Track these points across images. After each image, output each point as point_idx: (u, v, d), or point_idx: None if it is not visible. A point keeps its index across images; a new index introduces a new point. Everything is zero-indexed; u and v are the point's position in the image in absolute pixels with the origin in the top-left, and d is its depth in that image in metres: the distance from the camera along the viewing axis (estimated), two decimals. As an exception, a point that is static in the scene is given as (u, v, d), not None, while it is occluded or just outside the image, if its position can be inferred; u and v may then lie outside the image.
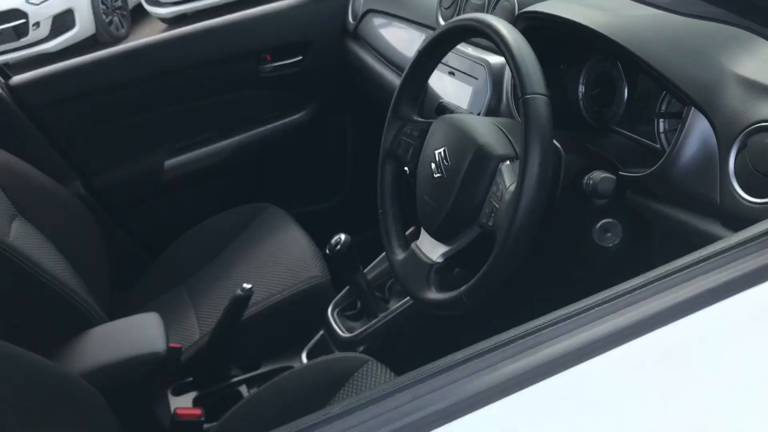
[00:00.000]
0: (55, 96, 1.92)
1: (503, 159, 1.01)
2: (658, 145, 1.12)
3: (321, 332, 1.63)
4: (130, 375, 1.33)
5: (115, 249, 1.91)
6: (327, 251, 1.51)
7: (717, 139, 0.91)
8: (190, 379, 1.59)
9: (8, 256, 1.26)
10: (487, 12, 1.41)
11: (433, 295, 1.08)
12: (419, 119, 1.22)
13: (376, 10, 1.93)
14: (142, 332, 1.42)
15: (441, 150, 1.09)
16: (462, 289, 1.00)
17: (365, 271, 1.61)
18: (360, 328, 1.56)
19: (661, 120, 1.11)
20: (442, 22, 1.57)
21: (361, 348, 1.54)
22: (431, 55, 1.17)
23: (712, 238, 0.92)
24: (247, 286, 1.50)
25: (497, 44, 0.98)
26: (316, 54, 2.13)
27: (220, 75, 2.07)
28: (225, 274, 1.75)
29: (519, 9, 1.31)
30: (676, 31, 1.02)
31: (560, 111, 1.30)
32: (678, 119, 1.04)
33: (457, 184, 1.04)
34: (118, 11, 7.23)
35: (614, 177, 0.94)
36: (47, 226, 1.54)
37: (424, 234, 1.15)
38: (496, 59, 1.34)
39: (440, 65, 1.47)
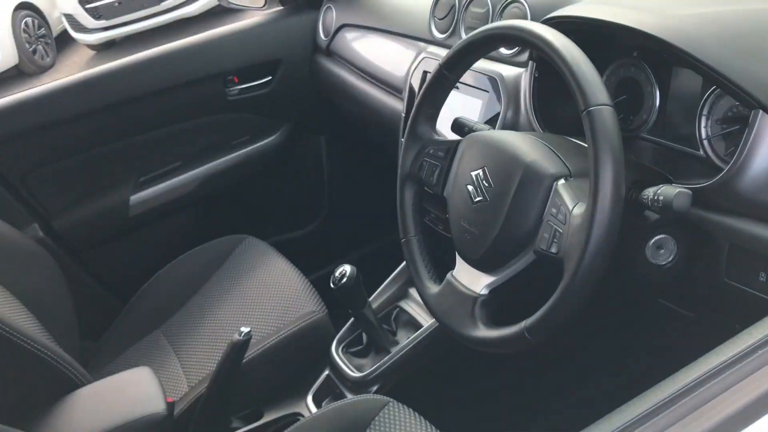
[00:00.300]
0: (2, 133, 1.75)
1: (557, 177, 0.92)
2: (701, 153, 1.06)
3: (326, 372, 1.51)
4: None
5: (81, 295, 1.75)
6: (332, 284, 1.39)
7: None
8: None
9: None
10: (493, 19, 1.32)
11: (483, 332, 0.98)
12: (440, 138, 1.12)
13: (352, 24, 1.83)
14: (136, 391, 1.28)
15: (479, 171, 0.99)
16: (524, 324, 0.90)
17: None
18: (370, 366, 1.45)
19: (703, 126, 1.05)
20: (436, 33, 1.48)
21: (375, 387, 1.43)
22: (454, 68, 1.07)
23: None
24: (245, 329, 1.37)
25: (547, 54, 0.89)
26: (286, 73, 2.01)
27: (184, 101, 1.93)
28: (208, 316, 1.61)
29: (532, 14, 1.23)
30: (733, 27, 0.95)
31: (580, 122, 1.22)
32: (735, 124, 0.98)
33: (505, 208, 0.94)
34: (41, 39, 6.94)
35: (690, 192, 0.86)
36: (4, 275, 1.38)
37: (461, 263, 1.05)
38: (509, 71, 1.26)
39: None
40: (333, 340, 1.55)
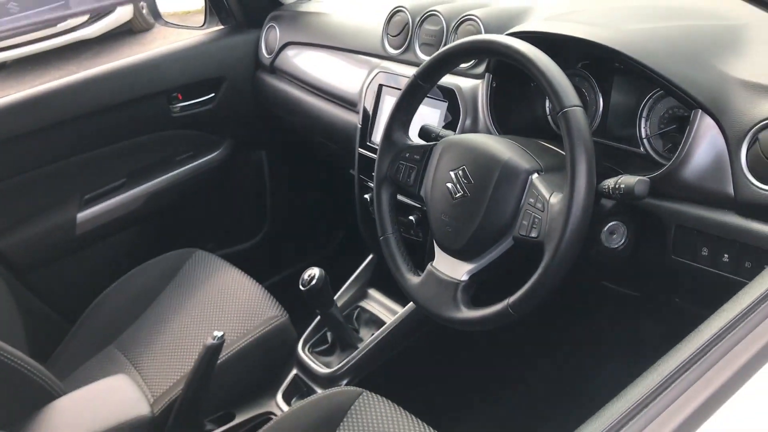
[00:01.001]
0: None
1: (531, 172, 1.04)
2: (641, 150, 1.22)
3: (293, 372, 1.58)
4: None
5: (28, 315, 1.73)
6: (301, 287, 1.46)
7: (726, 137, 1.01)
8: None
9: None
10: (448, 37, 1.45)
11: (466, 314, 1.08)
12: (415, 143, 1.23)
13: (297, 42, 1.92)
14: (118, 397, 1.30)
15: (458, 170, 1.10)
16: (507, 301, 1.01)
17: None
18: (338, 363, 1.52)
19: (642, 127, 1.21)
20: (390, 49, 1.59)
21: (344, 381, 1.50)
22: (428, 78, 1.18)
23: (728, 228, 1.01)
24: (218, 333, 1.42)
25: (522, 64, 1.02)
26: (228, 90, 2.07)
27: (129, 118, 1.95)
28: (166, 327, 1.64)
29: (486, 30, 1.36)
30: (674, 40, 1.12)
31: (533, 126, 1.37)
32: (672, 124, 1.14)
33: (485, 201, 1.06)
34: None
35: (648, 179, 1.00)
36: None
37: (441, 254, 1.15)
38: (466, 82, 1.38)
39: (398, 92, 1.50)
40: (296, 342, 1.61)
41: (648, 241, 1.13)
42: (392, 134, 1.23)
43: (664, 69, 1.05)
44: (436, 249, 1.17)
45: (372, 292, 1.68)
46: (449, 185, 1.11)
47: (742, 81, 1.02)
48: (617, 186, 1.00)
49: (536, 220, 1.01)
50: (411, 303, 1.54)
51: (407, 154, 1.21)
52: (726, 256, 1.02)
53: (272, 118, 2.10)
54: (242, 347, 1.52)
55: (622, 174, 1.02)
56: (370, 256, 1.72)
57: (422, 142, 1.25)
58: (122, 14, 6.43)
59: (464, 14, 1.42)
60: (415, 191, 1.20)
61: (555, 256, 0.96)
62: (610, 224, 1.12)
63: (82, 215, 1.91)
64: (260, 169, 2.23)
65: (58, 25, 6.38)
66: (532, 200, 1.02)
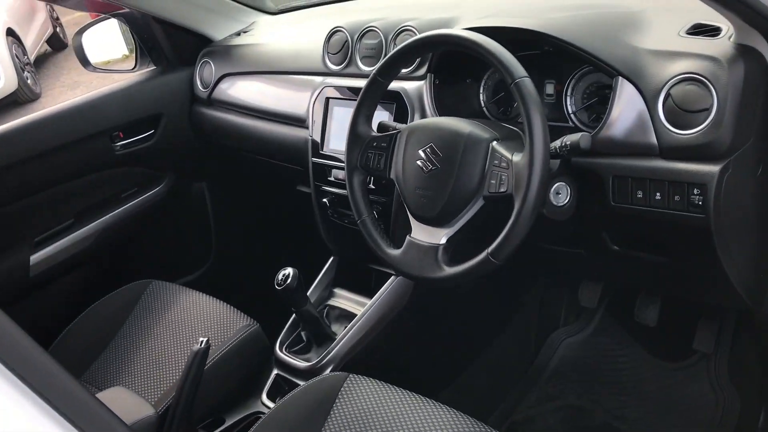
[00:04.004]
0: None
1: (491, 140, 1.22)
2: (570, 123, 1.43)
3: (274, 372, 1.66)
4: None
5: None
6: (276, 286, 1.56)
7: (644, 97, 1.22)
8: None
9: None
10: (388, 47, 1.63)
11: (450, 270, 1.23)
12: (380, 134, 1.38)
13: (234, 73, 2.05)
14: (120, 404, 1.34)
15: (426, 148, 1.26)
16: (488, 251, 1.17)
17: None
18: (317, 356, 1.62)
19: (568, 104, 1.42)
20: (332, 66, 1.75)
21: (328, 370, 1.60)
22: (386, 74, 1.35)
23: (657, 171, 1.21)
24: (203, 339, 1.49)
25: (473, 49, 1.20)
26: (167, 126, 2.16)
27: (73, 159, 2.00)
28: (135, 354, 1.68)
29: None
30: (592, 22, 1.34)
31: (471, 117, 1.55)
32: (594, 98, 1.36)
33: (455, 169, 1.22)
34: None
35: (589, 134, 1.20)
36: None
37: (418, 225, 1.30)
38: (409, 85, 1.56)
39: (346, 101, 1.66)
40: (271, 347, 1.70)
41: (591, 194, 1.32)
42: (358, 128, 1.38)
43: (589, 46, 1.27)
44: (413, 221, 1.31)
45: (338, 290, 1.79)
46: (419, 162, 1.27)
47: (650, 50, 1.24)
48: (563, 144, 1.19)
49: (503, 177, 1.18)
50: (380, 292, 1.67)
51: (375, 143, 1.37)
52: (658, 194, 1.22)
53: (212, 148, 2.20)
54: (220, 357, 1.60)
55: (564, 136, 1.21)
56: (331, 258, 1.84)
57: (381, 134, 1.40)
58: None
59: (401, 26, 1.61)
60: (386, 174, 1.35)
61: (525, 202, 1.13)
62: (555, 185, 1.30)
63: (34, 257, 1.93)
64: (202, 199, 2.32)
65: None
66: (496, 162, 1.19)
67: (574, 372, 1.99)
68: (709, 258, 1.25)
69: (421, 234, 1.30)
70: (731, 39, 1.20)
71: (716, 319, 1.80)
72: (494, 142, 1.22)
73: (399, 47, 1.31)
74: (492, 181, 1.20)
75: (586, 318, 2.05)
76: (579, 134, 1.18)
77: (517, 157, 1.17)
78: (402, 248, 1.32)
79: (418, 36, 1.29)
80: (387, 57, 1.33)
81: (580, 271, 1.83)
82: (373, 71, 1.35)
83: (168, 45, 2.15)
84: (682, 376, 1.84)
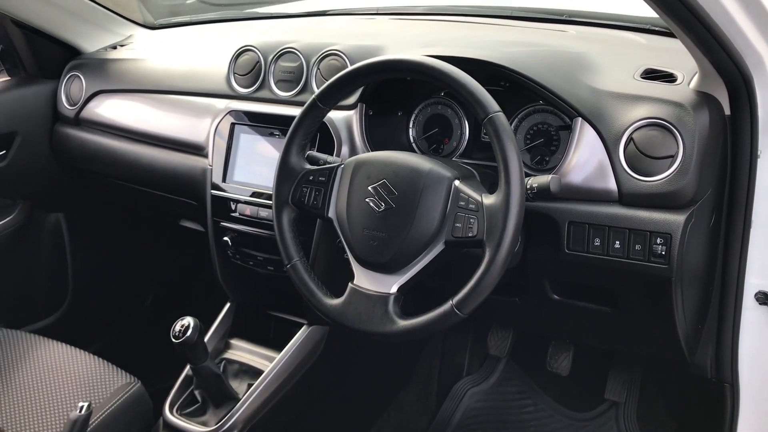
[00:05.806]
0: None
1: (453, 179, 1.10)
2: None
3: (161, 440, 1.42)
4: None
5: None
6: (173, 339, 1.33)
7: (603, 140, 1.17)
8: None
9: None
10: (310, 72, 1.47)
11: (404, 324, 1.08)
12: (315, 167, 1.22)
13: (111, 90, 1.79)
14: None
15: (377, 185, 1.12)
16: (452, 301, 1.04)
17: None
18: (216, 420, 1.41)
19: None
20: (239, 89, 1.56)
21: (233, 437, 1.39)
22: (327, 101, 1.19)
23: (617, 218, 1.16)
24: (83, 404, 1.24)
25: (439, 79, 1.08)
26: (22, 147, 1.85)
27: None
28: None
29: (351, 64, 1.40)
30: (545, 59, 1.27)
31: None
32: (539, 139, 1.29)
33: (414, 209, 1.09)
34: None
35: (559, 177, 1.11)
36: None
37: (363, 271, 1.14)
38: (337, 114, 1.41)
39: (257, 128, 1.49)
40: (155, 409, 1.46)
41: (541, 240, 1.24)
42: (290, 159, 1.21)
43: (550, 84, 1.19)
44: (356, 267, 1.16)
45: (235, 341, 1.58)
46: (369, 200, 1.12)
47: (609, 92, 1.20)
48: (530, 187, 1.10)
49: (471, 221, 1.06)
50: (291, 344, 1.49)
51: (311, 177, 1.20)
52: (617, 242, 1.17)
53: (75, 174, 1.91)
54: (96, 425, 1.34)
55: (528, 177, 1.12)
56: (228, 305, 1.62)
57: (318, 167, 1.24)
58: None
59: (326, 50, 1.46)
60: (323, 213, 1.19)
61: (499, 248, 1.01)
62: None
63: None
64: (59, 232, 2.00)
65: None
66: (462, 203, 1.07)
67: (479, 424, 1.90)
68: (662, 309, 1.21)
69: (367, 281, 1.14)
70: (691, 86, 1.18)
71: (626, 367, 1.79)
72: (456, 181, 1.10)
73: (349, 70, 1.17)
74: (457, 225, 1.07)
75: (490, 366, 1.97)
76: (548, 176, 1.09)
77: (488, 200, 1.06)
78: (343, 297, 1.15)
79: (377, 59, 1.14)
80: (332, 80, 1.18)
81: (502, 318, 1.75)
82: (313, 96, 1.19)
83: (28, 53, 1.85)
84: (592, 425, 1.81)
